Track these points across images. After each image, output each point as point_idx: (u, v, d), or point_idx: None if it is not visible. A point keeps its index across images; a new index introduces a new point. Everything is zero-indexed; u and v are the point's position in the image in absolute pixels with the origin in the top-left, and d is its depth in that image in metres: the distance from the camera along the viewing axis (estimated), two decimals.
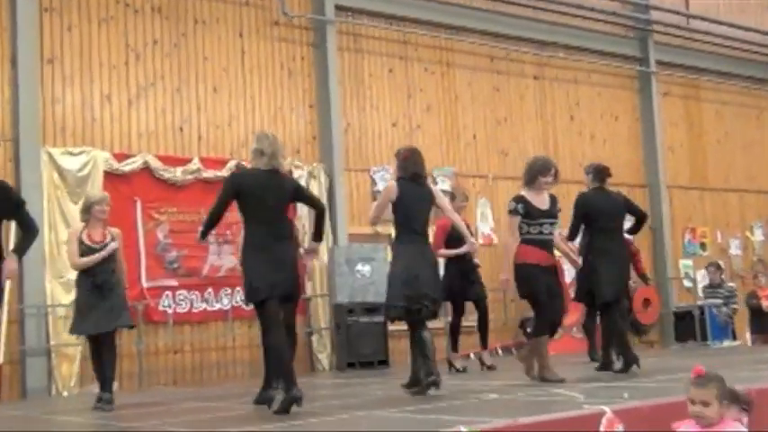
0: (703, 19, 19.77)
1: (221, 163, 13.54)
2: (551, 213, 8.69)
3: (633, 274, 14.23)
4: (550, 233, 8.68)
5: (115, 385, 11.91)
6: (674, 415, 5.98)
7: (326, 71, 14.61)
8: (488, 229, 16.15)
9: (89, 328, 8.82)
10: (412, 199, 8.15)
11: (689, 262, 19.05)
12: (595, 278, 9.44)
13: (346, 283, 13.62)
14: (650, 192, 18.59)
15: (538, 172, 8.72)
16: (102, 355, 8.84)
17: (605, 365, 9.58)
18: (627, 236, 13.20)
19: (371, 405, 7.43)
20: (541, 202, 8.68)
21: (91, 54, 12.87)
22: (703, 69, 20.10)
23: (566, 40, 17.80)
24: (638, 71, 18.91)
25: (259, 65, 14.24)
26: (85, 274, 8.82)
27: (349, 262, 13.65)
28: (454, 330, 11.31)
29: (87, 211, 8.98)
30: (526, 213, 8.56)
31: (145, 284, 12.76)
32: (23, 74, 12.16)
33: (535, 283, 8.51)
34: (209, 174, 13.34)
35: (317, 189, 14.20)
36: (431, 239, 10.27)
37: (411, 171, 8.25)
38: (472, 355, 15.16)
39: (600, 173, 9.76)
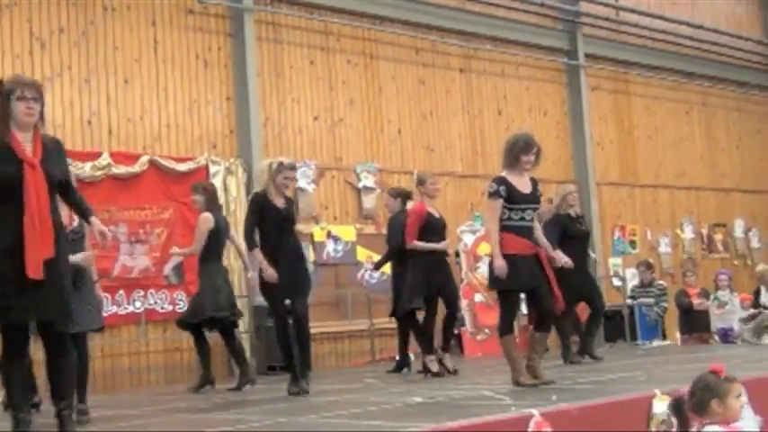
0: (633, 11, 19.61)
1: (133, 158, 12.99)
2: (534, 198, 7.98)
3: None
4: (532, 219, 7.96)
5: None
6: (602, 416, 5.77)
7: (244, 62, 14.09)
8: None
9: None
10: None
11: (618, 260, 18.91)
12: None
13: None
14: (579, 188, 18.12)
15: (520, 150, 7.88)
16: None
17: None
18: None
19: (293, 411, 7.18)
20: (524, 185, 7.93)
21: None
22: (633, 63, 20.01)
23: (493, 31, 17.50)
24: (566, 64, 18.69)
25: (173, 55, 13.67)
26: None
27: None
28: (428, 331, 10.54)
29: None
30: (508, 197, 7.82)
31: None
32: None
33: (514, 277, 7.77)
34: (120, 170, 12.78)
35: (235, 185, 13.74)
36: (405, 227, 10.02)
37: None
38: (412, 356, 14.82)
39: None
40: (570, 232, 10.89)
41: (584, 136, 18.53)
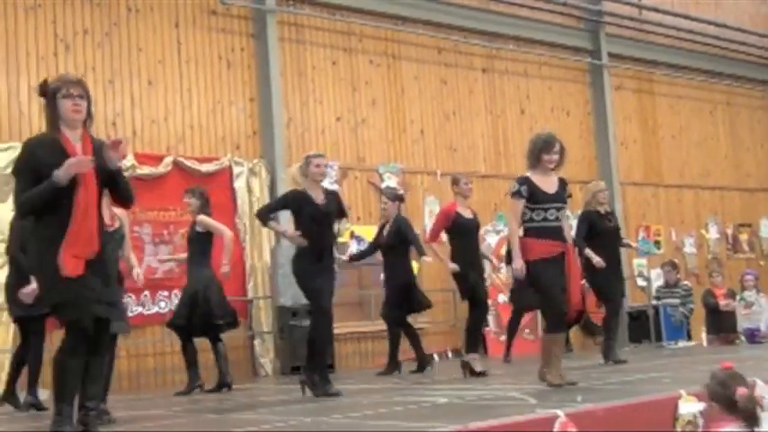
0: (657, 10, 19.52)
1: (157, 159, 13.04)
2: (558, 198, 7.86)
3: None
4: (557, 219, 7.82)
5: (45, 393, 11.44)
6: (628, 417, 5.73)
7: (267, 63, 14.10)
8: None
9: None
10: None
11: (643, 261, 18.77)
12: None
13: (290, 284, 12.97)
14: (588, 190, 18.17)
15: (541, 150, 7.85)
16: None
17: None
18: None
19: (316, 411, 7.13)
20: (549, 184, 7.85)
21: (17, 44, 12.30)
22: (657, 62, 19.91)
23: (516, 31, 17.46)
24: (589, 64, 18.62)
25: (196, 56, 13.71)
26: None
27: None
28: (476, 330, 10.47)
29: None
30: (530, 197, 7.76)
31: None
32: None
33: (542, 280, 7.76)
34: (144, 170, 12.83)
35: (258, 186, 13.76)
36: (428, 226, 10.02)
37: None
38: (436, 356, 14.82)
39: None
40: (599, 229, 10.82)
41: (607, 136, 18.44)
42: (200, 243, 10.24)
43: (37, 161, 5.51)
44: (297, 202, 8.48)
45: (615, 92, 18.97)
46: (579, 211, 11.53)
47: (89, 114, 5.69)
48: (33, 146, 5.64)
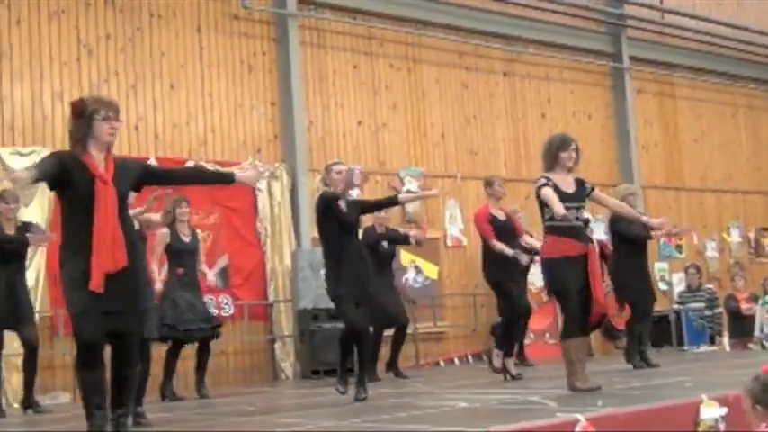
0: (678, 13, 19.43)
1: (179, 163, 13.01)
2: (578, 197, 7.81)
3: (608, 277, 13.92)
4: (577, 218, 7.75)
5: (67, 396, 11.52)
6: (649, 422, 5.71)
7: (288, 67, 14.14)
8: (457, 231, 15.71)
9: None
10: None
11: (664, 265, 18.70)
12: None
13: (310, 288, 13.14)
14: (618, 194, 18.12)
15: (558, 148, 7.84)
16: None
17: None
18: (602, 237, 12.88)
19: (337, 415, 7.16)
20: (567, 184, 7.81)
21: (41, 49, 12.38)
22: (678, 65, 19.82)
23: (536, 35, 17.43)
24: (611, 67, 18.57)
25: (218, 61, 13.76)
26: None
27: (313, 266, 13.12)
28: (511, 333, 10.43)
29: None
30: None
31: None
32: None
33: (563, 280, 7.72)
34: None
35: (279, 190, 13.80)
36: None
37: None
38: (442, 363, 14.84)
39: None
40: (628, 234, 10.75)
41: (629, 139, 18.39)
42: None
43: (63, 166, 5.57)
44: (330, 208, 8.33)
45: (636, 95, 18.91)
46: (599, 216, 11.50)
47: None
48: (54, 155, 5.75)
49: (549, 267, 7.83)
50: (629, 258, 10.59)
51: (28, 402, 9.63)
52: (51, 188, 5.72)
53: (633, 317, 10.85)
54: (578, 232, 7.78)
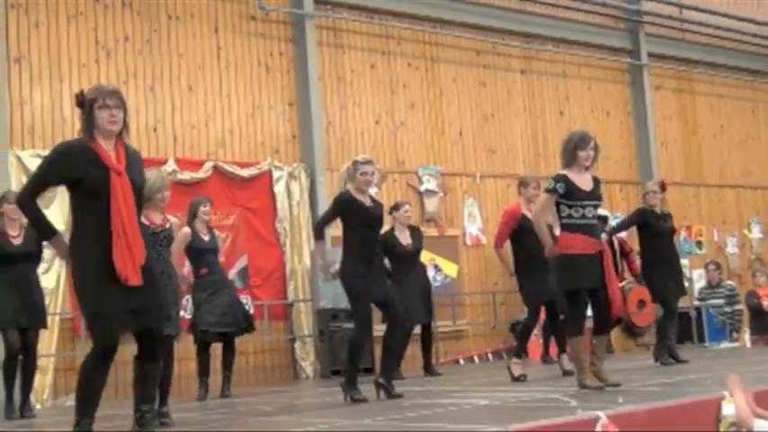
0: (696, 9, 19.35)
1: (198, 164, 13.13)
2: (594, 195, 7.81)
3: (628, 274, 13.88)
4: (594, 217, 7.81)
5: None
6: (671, 419, 5.69)
7: (306, 67, 14.17)
8: (476, 229, 15.69)
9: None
10: None
11: (685, 261, 18.55)
12: None
13: (329, 287, 13.11)
14: (644, 189, 18.08)
15: (576, 146, 7.82)
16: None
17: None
18: (622, 235, 12.82)
19: (358, 413, 7.13)
20: (585, 182, 7.81)
21: (60, 52, 12.45)
22: (697, 62, 19.73)
23: (554, 32, 17.39)
24: (629, 64, 18.51)
25: (236, 61, 13.80)
26: None
27: (332, 266, 13.12)
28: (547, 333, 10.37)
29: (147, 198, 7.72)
30: (567, 194, 7.70)
31: None
32: None
33: (577, 279, 7.71)
34: (185, 176, 12.90)
35: (298, 190, 13.82)
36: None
37: None
38: (462, 361, 14.84)
39: None
40: (654, 229, 10.68)
41: (647, 136, 18.32)
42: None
43: (62, 170, 5.49)
44: (347, 206, 8.27)
45: (655, 92, 18.83)
46: (618, 213, 11.47)
47: (125, 125, 5.63)
48: (62, 152, 5.59)
49: (564, 264, 7.81)
50: (654, 254, 10.55)
51: (23, 406, 9.59)
52: (58, 185, 5.64)
53: (664, 315, 10.80)
54: (592, 230, 7.80)
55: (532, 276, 9.85)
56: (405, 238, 11.58)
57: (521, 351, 9.97)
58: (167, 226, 7.72)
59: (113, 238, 5.38)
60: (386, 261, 11.54)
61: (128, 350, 5.72)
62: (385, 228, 10.74)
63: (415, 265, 11.67)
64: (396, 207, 11.88)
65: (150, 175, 7.72)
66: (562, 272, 7.87)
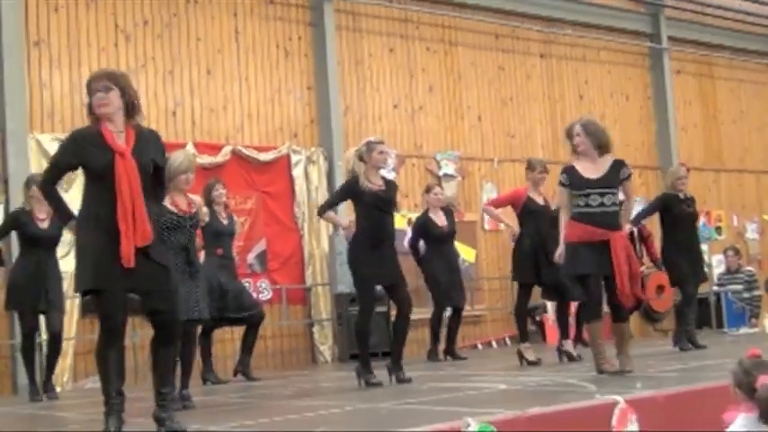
0: None
1: (216, 148, 13.15)
2: (604, 182, 7.75)
3: (646, 259, 13.84)
4: (602, 204, 7.72)
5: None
6: (689, 404, 5.68)
7: (324, 51, 14.16)
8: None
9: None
10: None
11: (704, 247, 18.45)
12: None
13: (347, 271, 13.06)
14: (663, 174, 18.02)
15: (568, 136, 8.11)
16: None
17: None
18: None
19: (376, 397, 7.19)
20: (594, 170, 7.78)
21: (79, 36, 12.47)
22: (718, 46, 19.60)
23: (573, 16, 17.31)
24: (649, 48, 18.40)
25: (254, 45, 13.80)
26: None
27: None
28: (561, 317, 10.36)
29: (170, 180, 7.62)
30: (570, 184, 7.79)
31: None
32: (9, 57, 11.74)
33: (574, 264, 7.77)
34: (203, 159, 12.86)
35: (317, 174, 13.84)
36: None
37: None
38: (480, 346, 14.84)
39: None
40: (677, 213, 10.63)
41: (667, 120, 18.23)
42: None
43: (70, 155, 5.61)
44: (354, 191, 8.28)
45: (675, 76, 18.73)
46: (637, 198, 11.42)
47: (130, 106, 5.63)
48: (71, 138, 5.73)
49: (566, 252, 7.87)
50: (676, 239, 10.52)
51: (45, 387, 9.68)
52: (72, 169, 5.79)
53: (682, 300, 10.79)
54: (599, 219, 7.73)
55: (527, 257, 9.87)
56: (440, 220, 11.72)
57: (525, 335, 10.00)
58: (193, 211, 7.67)
59: (119, 221, 5.42)
60: (421, 243, 11.75)
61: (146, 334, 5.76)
62: (419, 211, 10.78)
63: (452, 246, 11.76)
64: (427, 190, 12.04)
65: (176, 156, 7.73)
66: (565, 259, 7.93)
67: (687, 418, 5.71)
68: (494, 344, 15.09)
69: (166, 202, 7.45)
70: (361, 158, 8.32)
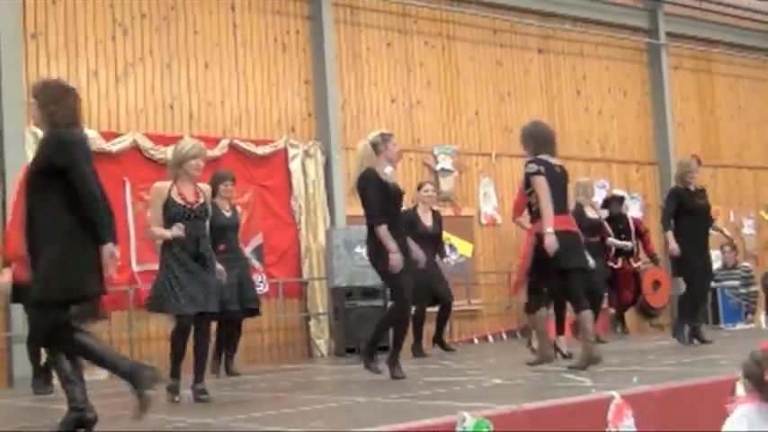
0: None
1: (213, 142, 13.07)
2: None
3: (643, 254, 13.86)
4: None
5: (104, 374, 11.61)
6: (685, 399, 5.69)
7: (322, 45, 14.13)
8: (492, 209, 15.67)
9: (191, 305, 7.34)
10: None
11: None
12: None
13: (344, 265, 13.18)
14: (660, 169, 18.07)
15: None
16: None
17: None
18: (637, 214, 12.80)
19: (372, 391, 7.19)
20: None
21: (76, 29, 12.41)
22: (716, 41, 19.57)
23: (572, 11, 17.27)
24: (647, 43, 18.39)
25: (252, 39, 13.76)
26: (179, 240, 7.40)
27: (347, 244, 13.19)
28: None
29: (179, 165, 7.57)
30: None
31: (135, 268, 12.23)
32: (6, 50, 11.68)
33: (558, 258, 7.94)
34: None
35: (314, 168, 13.82)
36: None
37: None
38: (476, 340, 14.85)
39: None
40: (689, 206, 10.65)
41: (665, 116, 18.21)
42: None
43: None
44: (376, 182, 8.06)
45: (673, 71, 18.71)
46: (635, 194, 11.43)
47: (44, 117, 5.84)
48: None
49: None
50: (686, 231, 10.50)
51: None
52: None
53: (686, 293, 10.79)
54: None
55: None
56: (426, 219, 11.65)
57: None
58: (201, 200, 7.54)
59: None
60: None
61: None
62: (409, 205, 10.74)
63: (431, 249, 11.55)
64: (419, 187, 12.06)
65: (184, 142, 7.71)
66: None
67: (683, 413, 5.72)
68: (490, 338, 15.09)
69: (173, 193, 7.44)
70: (376, 151, 8.16)
